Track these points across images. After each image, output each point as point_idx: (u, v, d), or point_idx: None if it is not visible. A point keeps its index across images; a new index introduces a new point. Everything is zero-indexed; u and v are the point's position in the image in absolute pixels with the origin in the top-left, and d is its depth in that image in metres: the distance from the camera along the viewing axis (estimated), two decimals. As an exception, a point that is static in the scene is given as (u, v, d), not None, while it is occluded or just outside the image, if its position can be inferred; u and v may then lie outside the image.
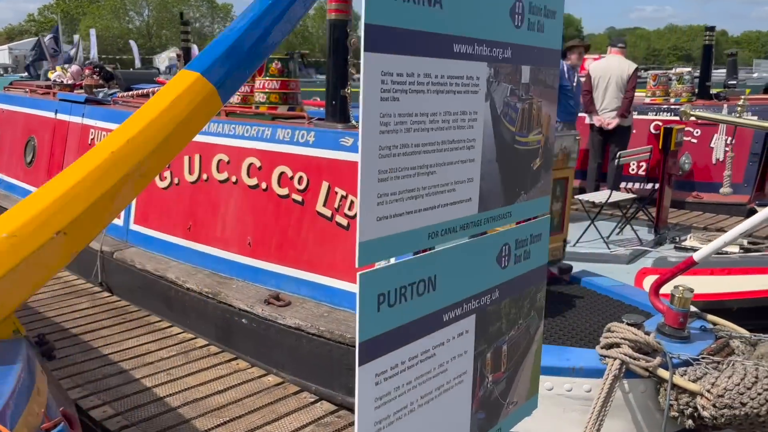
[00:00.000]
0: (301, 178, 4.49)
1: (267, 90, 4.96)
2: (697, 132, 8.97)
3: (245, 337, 4.51)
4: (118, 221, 5.93)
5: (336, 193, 4.30)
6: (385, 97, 1.09)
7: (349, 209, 4.23)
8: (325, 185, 4.36)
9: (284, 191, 4.58)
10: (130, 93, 6.91)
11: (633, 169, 9.38)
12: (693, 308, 4.20)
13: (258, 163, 4.75)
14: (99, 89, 7.24)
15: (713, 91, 9.27)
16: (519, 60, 1.38)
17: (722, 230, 7.78)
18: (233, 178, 4.91)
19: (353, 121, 4.41)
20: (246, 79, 1.75)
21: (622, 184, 8.13)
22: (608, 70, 8.57)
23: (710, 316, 4.08)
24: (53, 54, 10.28)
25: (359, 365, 1.11)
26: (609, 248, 6.58)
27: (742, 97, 3.83)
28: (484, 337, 1.39)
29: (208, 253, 5.07)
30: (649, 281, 6.17)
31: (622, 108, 8.44)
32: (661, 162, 6.78)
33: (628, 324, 3.51)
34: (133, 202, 5.79)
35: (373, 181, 1.09)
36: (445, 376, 1.28)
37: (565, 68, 9.29)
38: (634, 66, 8.51)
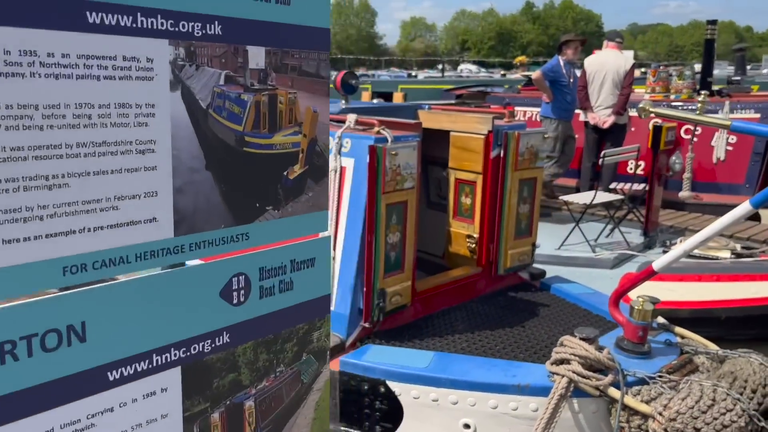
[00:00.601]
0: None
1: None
2: (697, 130, 8.62)
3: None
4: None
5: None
6: None
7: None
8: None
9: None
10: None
11: (630, 169, 9.04)
12: (661, 320, 3.92)
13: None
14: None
15: (715, 87, 8.90)
16: (240, 38, 1.10)
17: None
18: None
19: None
20: None
21: (616, 185, 7.80)
22: (604, 65, 8.25)
23: (678, 329, 3.80)
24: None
25: None
26: (594, 252, 6.29)
27: (703, 93, 3.53)
28: (202, 395, 1.12)
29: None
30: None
31: (618, 105, 8.12)
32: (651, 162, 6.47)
33: (580, 338, 3.24)
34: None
35: None
36: (123, 449, 1.03)
37: (562, 63, 8.99)
38: (631, 61, 8.18)
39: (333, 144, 3.75)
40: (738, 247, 6.15)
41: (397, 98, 15.91)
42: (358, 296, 3.70)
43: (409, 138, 3.74)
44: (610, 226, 6.78)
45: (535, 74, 9.15)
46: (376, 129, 3.68)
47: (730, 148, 8.35)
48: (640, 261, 6.12)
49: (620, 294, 3.60)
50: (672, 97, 8.96)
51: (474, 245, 4.53)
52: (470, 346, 3.72)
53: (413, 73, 37.13)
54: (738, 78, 10.21)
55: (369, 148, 3.50)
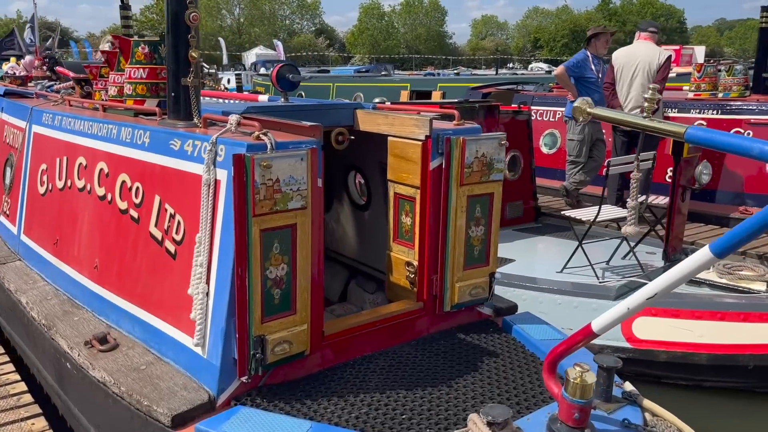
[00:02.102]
0: (138, 189, 3.58)
1: (133, 80, 4.08)
2: (748, 134, 7.41)
3: (71, 385, 3.68)
4: (13, 229, 5.25)
5: (166, 210, 3.36)
6: None
7: (177, 232, 3.28)
8: (156, 200, 3.43)
9: (124, 205, 3.69)
10: (64, 85, 6.26)
11: (669, 177, 7.88)
12: (629, 387, 2.99)
13: (106, 169, 3.89)
14: (42, 81, 6.65)
15: (771, 84, 7.66)
16: None
17: (763, 257, 6.27)
18: (88, 187, 4.08)
19: (196, 119, 3.45)
20: None
21: (645, 198, 6.69)
22: (634, 58, 7.18)
23: (647, 403, 2.86)
24: (29, 45, 9.92)
25: None
26: (598, 278, 5.31)
27: (652, 87, 2.50)
28: None
29: (68, 274, 4.27)
30: (639, 325, 4.89)
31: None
32: (675, 172, 5.42)
33: (486, 422, 2.39)
34: (24, 209, 5.09)
35: None
36: None
37: (590, 57, 7.98)
38: (666, 53, 7.07)
39: (207, 151, 3.01)
40: (778, 276, 5.04)
41: (436, 96, 15.05)
42: (232, 343, 2.95)
43: (301, 145, 2.95)
44: (620, 247, 5.76)
45: (557, 70, 8.15)
46: (256, 133, 2.92)
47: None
48: (653, 291, 5.09)
49: (555, 358, 2.70)
50: (720, 95, 7.76)
51: (413, 275, 3.69)
52: (369, 413, 2.90)
53: (457, 72, 36.00)
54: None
55: (234, 158, 2.74)
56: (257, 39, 74.53)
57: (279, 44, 51.89)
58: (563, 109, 9.18)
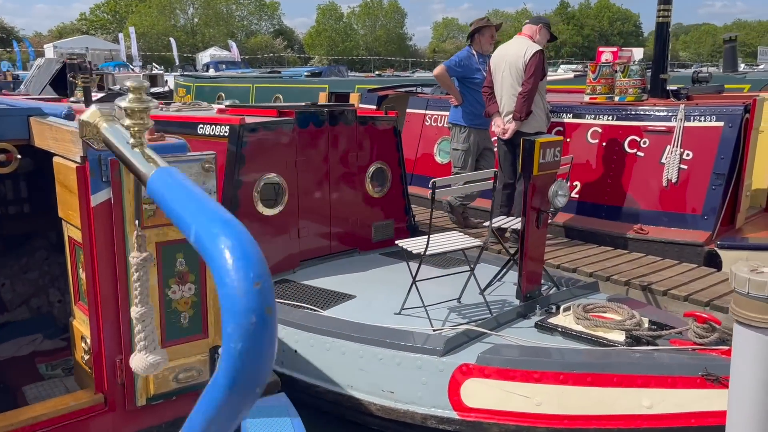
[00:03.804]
0: None
1: None
2: (644, 142, 6.51)
3: None
4: None
5: None
6: None
7: None
8: None
9: None
10: None
11: (577, 192, 6.93)
12: None
13: None
14: None
15: (671, 87, 6.75)
16: None
17: (647, 289, 5.34)
18: None
19: None
20: None
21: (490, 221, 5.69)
22: (504, 57, 6.19)
23: None
24: None
25: None
26: (432, 325, 4.28)
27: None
28: None
29: None
30: (469, 390, 3.87)
31: (516, 108, 6.05)
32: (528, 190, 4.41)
33: None
34: None
35: None
36: None
37: (474, 55, 7.01)
38: (534, 48, 6.03)
39: None
40: (645, 322, 4.07)
41: (353, 99, 14.02)
42: None
43: None
44: (466, 286, 4.72)
45: (437, 69, 7.15)
46: None
47: (684, 167, 6.22)
48: (494, 342, 4.09)
49: None
50: (616, 98, 6.84)
51: (89, 355, 2.61)
52: None
53: (388, 73, 35.11)
54: (707, 75, 7.97)
55: None
56: (212, 40, 72.64)
57: (233, 45, 50.45)
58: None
